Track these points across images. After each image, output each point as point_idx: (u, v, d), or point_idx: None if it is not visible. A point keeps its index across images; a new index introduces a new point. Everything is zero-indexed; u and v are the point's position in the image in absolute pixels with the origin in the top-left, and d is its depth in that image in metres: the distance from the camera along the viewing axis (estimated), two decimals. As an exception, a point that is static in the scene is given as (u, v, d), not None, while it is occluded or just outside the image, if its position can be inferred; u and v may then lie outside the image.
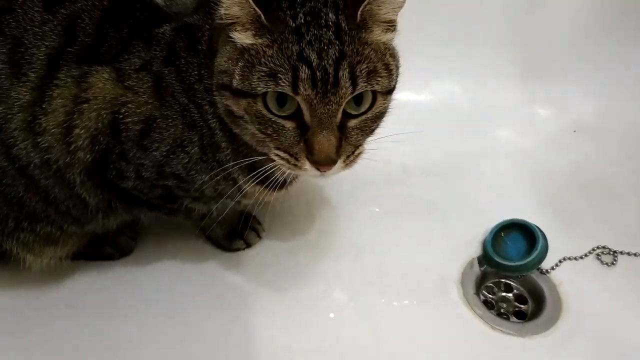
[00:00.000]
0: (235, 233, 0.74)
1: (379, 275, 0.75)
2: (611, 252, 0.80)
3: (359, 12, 0.47)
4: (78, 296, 0.69)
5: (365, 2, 0.46)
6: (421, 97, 0.96)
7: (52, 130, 0.53)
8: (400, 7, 0.49)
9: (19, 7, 0.53)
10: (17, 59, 0.52)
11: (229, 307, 0.70)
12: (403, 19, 0.51)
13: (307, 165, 0.49)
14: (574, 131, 0.97)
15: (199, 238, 0.76)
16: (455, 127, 0.95)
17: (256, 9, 0.45)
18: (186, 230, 0.75)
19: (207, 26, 0.53)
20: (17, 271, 0.67)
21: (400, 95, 0.54)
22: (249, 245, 0.76)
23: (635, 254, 0.81)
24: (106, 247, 0.71)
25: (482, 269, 0.79)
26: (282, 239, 0.78)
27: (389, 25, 0.50)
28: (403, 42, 0.53)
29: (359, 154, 0.52)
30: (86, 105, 0.52)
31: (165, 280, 0.72)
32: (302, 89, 0.45)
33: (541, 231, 0.78)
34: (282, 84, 0.45)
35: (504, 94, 0.99)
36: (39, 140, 0.53)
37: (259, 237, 0.76)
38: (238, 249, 0.75)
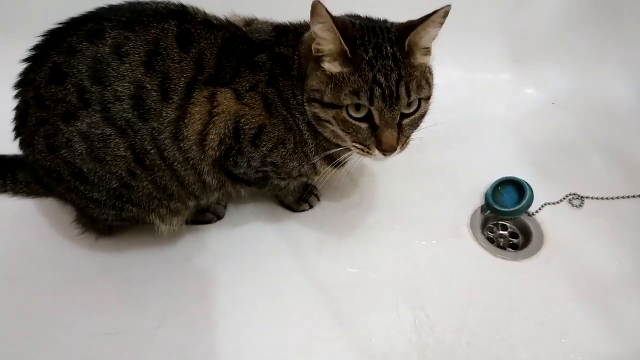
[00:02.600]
0: (301, 198, 0.94)
1: (410, 222, 0.96)
2: (579, 197, 1.00)
3: (406, 43, 0.66)
4: (190, 251, 0.89)
5: (410, 35, 0.65)
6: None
7: (192, 137, 0.71)
8: (434, 37, 0.68)
9: (163, 50, 0.68)
10: (165, 87, 0.68)
11: (302, 252, 0.91)
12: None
13: (377, 152, 0.69)
14: (552, 103, 1.17)
15: (273, 203, 0.96)
16: (458, 105, 1.13)
17: (345, 47, 0.64)
18: (263, 198, 0.96)
19: (295, 56, 0.71)
20: (148, 235, 0.87)
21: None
22: (311, 206, 0.97)
23: (597, 198, 1.00)
24: (207, 214, 0.91)
25: (484, 214, 0.98)
26: (334, 201, 0.99)
27: (426, 51, 0.69)
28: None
29: (409, 141, 0.72)
30: (217, 117, 0.71)
31: (251, 235, 0.93)
32: (376, 102, 0.65)
33: (528, 184, 0.97)
34: (363, 99, 0.65)
35: (497, 76, 1.18)
36: (182, 145, 0.71)
37: (318, 200, 0.97)
38: (304, 210, 0.96)
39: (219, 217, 0.93)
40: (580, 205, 0.99)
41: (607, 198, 1.00)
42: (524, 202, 0.95)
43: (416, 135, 0.74)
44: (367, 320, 0.82)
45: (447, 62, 1.10)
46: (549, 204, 0.99)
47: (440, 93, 1.13)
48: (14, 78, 0.73)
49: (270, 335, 0.79)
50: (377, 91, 0.64)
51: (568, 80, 1.17)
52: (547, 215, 0.98)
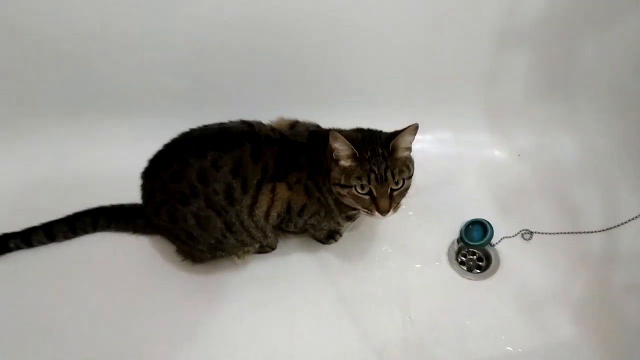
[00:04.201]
0: (329, 236, 1.31)
1: (404, 251, 1.30)
2: (530, 232, 1.32)
3: (390, 145, 1.01)
4: (256, 272, 1.27)
5: (392, 141, 1.00)
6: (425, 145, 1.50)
7: (261, 214, 1.09)
8: (411, 142, 1.03)
9: (242, 162, 1.04)
10: (244, 185, 1.05)
11: (328, 271, 1.27)
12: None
13: (377, 213, 1.03)
14: (519, 155, 1.48)
15: (310, 239, 1.32)
16: (444, 158, 1.48)
17: (356, 152, 1.00)
18: (303, 238, 1.33)
19: (323, 157, 1.08)
20: (227, 263, 1.26)
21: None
22: (336, 241, 1.32)
23: (543, 233, 1.31)
24: (266, 247, 1.29)
25: (459, 245, 1.32)
26: (350, 237, 1.34)
27: (406, 149, 1.04)
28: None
29: (399, 205, 1.06)
30: (276, 202, 1.09)
31: (293, 259, 1.30)
32: (372, 182, 1.00)
33: (490, 225, 1.31)
34: (364, 181, 1.01)
35: (475, 136, 1.50)
36: (254, 219, 1.10)
37: (341, 236, 1.33)
38: (330, 243, 1.32)
39: (273, 249, 1.31)
40: (529, 239, 1.33)
41: (550, 233, 1.32)
42: (485, 238, 1.30)
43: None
44: (371, 319, 1.19)
45: (438, 126, 1.52)
46: (506, 237, 1.33)
47: (431, 147, 1.52)
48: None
49: (299, 326, 1.19)
50: (372, 176, 1.00)
51: (529, 139, 1.47)
52: (504, 245, 1.32)
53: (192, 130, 1.14)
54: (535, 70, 1.42)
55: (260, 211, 1.11)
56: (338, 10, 1.34)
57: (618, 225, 1.25)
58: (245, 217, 1.10)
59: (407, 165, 1.04)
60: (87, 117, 1.47)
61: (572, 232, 1.32)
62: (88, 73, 1.41)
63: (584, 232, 1.30)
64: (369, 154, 1.01)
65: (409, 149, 1.06)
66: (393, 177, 1.01)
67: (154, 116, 1.49)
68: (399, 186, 1.03)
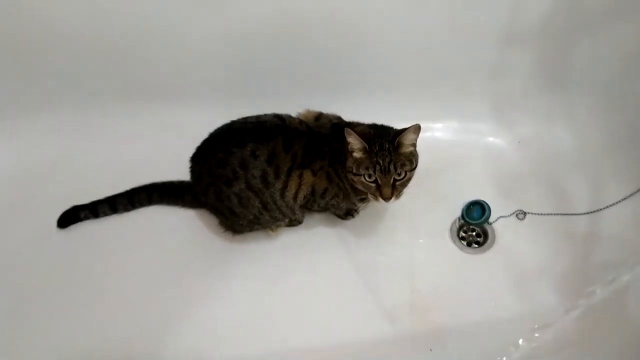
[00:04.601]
0: (347, 214, 1.51)
1: (411, 227, 1.49)
2: (523, 213, 1.48)
3: (396, 142, 1.19)
4: (286, 242, 1.46)
5: (397, 138, 1.18)
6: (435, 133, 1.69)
7: (290, 196, 1.29)
8: (415, 139, 1.20)
9: (276, 153, 1.21)
10: (277, 171, 1.23)
11: (346, 242, 1.47)
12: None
13: (381, 199, 1.22)
14: (519, 142, 1.64)
15: (331, 215, 1.52)
16: (451, 144, 1.65)
17: (366, 145, 1.19)
18: (325, 214, 1.53)
19: (342, 148, 1.27)
20: (262, 235, 1.48)
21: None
22: (353, 217, 1.49)
23: (536, 214, 1.47)
24: (294, 222, 1.49)
25: (460, 223, 1.49)
26: (365, 214, 1.51)
27: (410, 145, 1.21)
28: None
29: (402, 193, 1.24)
30: (303, 186, 1.29)
31: (317, 232, 1.50)
32: (377, 173, 1.18)
33: (488, 205, 1.46)
34: (370, 171, 1.19)
35: (480, 125, 1.66)
36: (285, 199, 1.30)
37: (358, 213, 1.52)
38: (348, 219, 1.50)
39: (300, 223, 1.52)
40: (523, 218, 1.49)
41: (542, 214, 1.48)
42: (483, 217, 1.47)
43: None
44: (382, 285, 1.39)
45: (448, 115, 1.69)
46: (502, 216, 1.49)
47: (440, 134, 1.70)
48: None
49: (321, 288, 1.41)
50: (378, 167, 1.16)
51: (530, 129, 1.62)
52: (500, 224, 1.49)
53: (234, 122, 1.34)
54: (537, 67, 1.57)
55: (290, 193, 1.31)
56: (359, 12, 1.50)
57: (601, 209, 1.43)
58: (278, 198, 1.32)
59: (409, 160, 1.19)
60: (140, 104, 1.67)
61: (561, 214, 1.49)
62: (142, 65, 1.60)
63: (572, 214, 1.48)
64: (377, 148, 1.17)
65: (413, 145, 1.22)
66: (396, 169, 1.17)
67: (194, 104, 1.69)
68: (401, 177, 1.19)
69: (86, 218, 1.54)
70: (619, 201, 1.37)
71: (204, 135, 1.36)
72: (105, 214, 1.55)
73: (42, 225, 1.52)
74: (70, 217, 1.53)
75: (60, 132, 1.67)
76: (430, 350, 1.30)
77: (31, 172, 1.64)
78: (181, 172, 1.44)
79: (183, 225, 1.54)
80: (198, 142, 1.37)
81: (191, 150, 1.38)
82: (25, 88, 1.61)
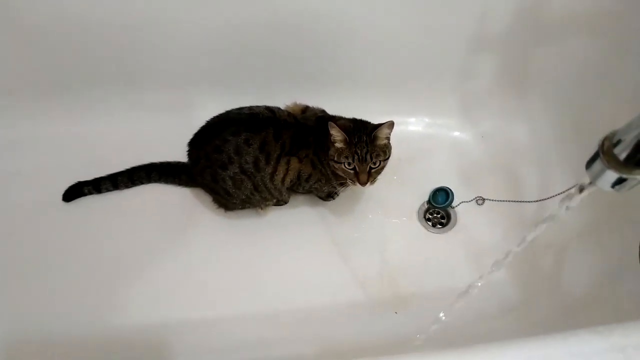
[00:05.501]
0: (328, 195, 1.68)
1: (384, 209, 1.68)
2: (482, 199, 1.65)
3: (372, 135, 1.36)
4: (273, 219, 1.64)
5: (374, 132, 1.35)
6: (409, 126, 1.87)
7: (279, 179, 1.45)
8: (388, 134, 1.38)
9: (267, 142, 1.37)
10: (268, 158, 1.35)
11: (326, 221, 1.65)
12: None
13: (358, 184, 1.40)
14: (482, 137, 1.83)
15: (314, 197, 1.70)
16: (421, 136, 1.82)
17: (347, 137, 1.37)
18: (309, 196, 1.71)
19: (325, 139, 1.44)
20: (251, 212, 1.65)
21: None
22: (333, 199, 1.64)
23: (493, 200, 1.63)
24: (281, 202, 1.66)
25: (427, 206, 1.66)
26: (344, 196, 1.70)
27: (385, 138, 1.39)
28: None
29: (376, 180, 1.43)
30: (290, 171, 1.45)
31: (301, 211, 1.68)
32: (356, 161, 1.36)
33: (452, 191, 1.64)
34: (350, 160, 1.37)
35: (447, 119, 1.84)
36: (274, 183, 1.46)
37: (338, 195, 1.69)
38: (329, 200, 1.68)
39: (286, 203, 1.68)
40: (482, 204, 1.65)
41: (498, 200, 1.63)
42: (447, 202, 1.66)
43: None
44: (356, 257, 1.57)
45: (420, 111, 1.87)
46: (464, 202, 1.65)
47: (413, 127, 1.89)
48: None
49: (304, 259, 1.60)
50: (356, 157, 1.31)
51: (492, 124, 1.79)
52: (462, 208, 1.65)
53: (229, 112, 1.50)
54: (500, 70, 1.75)
55: (278, 177, 1.48)
56: (341, 11, 1.64)
57: (548, 198, 1.64)
58: (267, 181, 1.49)
59: (384, 151, 1.35)
60: (140, 89, 1.81)
61: (514, 201, 1.67)
62: (144, 52, 1.73)
63: (523, 202, 1.68)
64: (356, 140, 1.32)
65: (387, 138, 1.40)
66: (371, 158, 1.33)
67: (192, 90, 1.83)
68: (376, 165, 1.34)
69: (89, 193, 1.69)
70: (561, 192, 1.59)
71: (201, 121, 1.52)
72: (107, 190, 1.70)
73: (50, 197, 1.68)
74: (74, 192, 1.68)
75: (70, 113, 1.80)
76: (396, 313, 1.51)
77: (43, 147, 1.79)
78: (178, 155, 1.61)
79: (179, 201, 1.71)
80: (195, 129, 1.53)
81: (188, 135, 1.54)
82: (40, 73, 1.73)
